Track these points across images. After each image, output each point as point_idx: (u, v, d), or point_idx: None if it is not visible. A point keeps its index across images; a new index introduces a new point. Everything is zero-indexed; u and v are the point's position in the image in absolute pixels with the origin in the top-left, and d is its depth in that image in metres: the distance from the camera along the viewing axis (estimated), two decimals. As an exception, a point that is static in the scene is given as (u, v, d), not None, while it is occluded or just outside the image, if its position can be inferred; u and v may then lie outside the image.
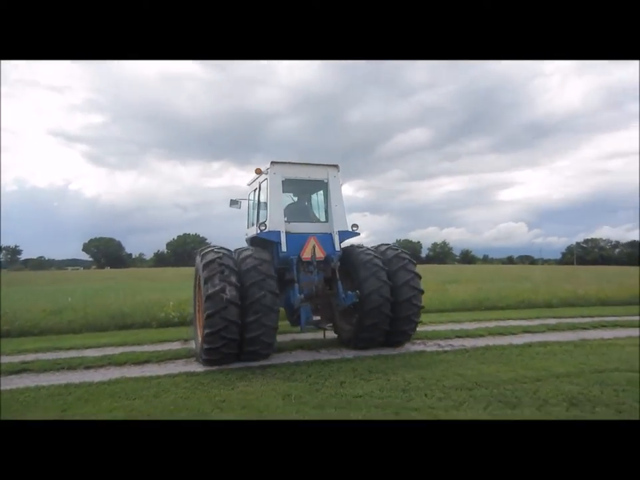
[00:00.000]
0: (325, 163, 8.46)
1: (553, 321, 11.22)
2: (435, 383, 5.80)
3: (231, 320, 6.47)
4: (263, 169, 8.18)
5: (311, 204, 9.09)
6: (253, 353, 6.89)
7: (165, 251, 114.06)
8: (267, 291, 6.75)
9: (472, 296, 14.98)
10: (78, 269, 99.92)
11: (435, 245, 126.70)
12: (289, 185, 8.34)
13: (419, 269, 8.37)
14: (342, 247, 8.28)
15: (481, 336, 9.31)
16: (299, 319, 7.64)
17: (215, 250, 7.10)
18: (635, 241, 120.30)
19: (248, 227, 9.38)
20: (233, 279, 6.66)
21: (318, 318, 7.91)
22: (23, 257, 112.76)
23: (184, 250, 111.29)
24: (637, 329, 10.40)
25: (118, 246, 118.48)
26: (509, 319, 11.69)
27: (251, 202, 9.24)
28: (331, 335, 8.71)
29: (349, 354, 7.66)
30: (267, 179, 8.09)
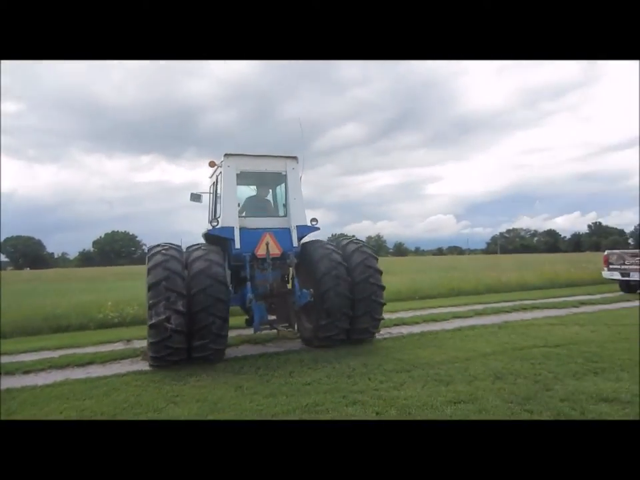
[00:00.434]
0: (284, 155, 8.07)
1: (479, 307, 12.15)
2: (377, 368, 6.22)
3: (176, 347, 6.33)
4: (217, 161, 7.87)
5: (270, 198, 8.77)
6: (202, 358, 6.66)
7: (91, 249, 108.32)
8: (214, 299, 6.44)
9: (406, 286, 15.77)
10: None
11: (369, 238, 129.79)
12: (244, 178, 8.03)
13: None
14: (303, 241, 8.02)
15: (416, 323, 9.93)
16: (253, 319, 7.36)
17: (163, 252, 6.69)
18: (551, 229, 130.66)
19: (208, 222, 8.73)
20: (180, 304, 6.28)
21: (273, 318, 7.67)
22: None
23: (112, 248, 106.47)
24: (553, 309, 11.62)
25: (38, 245, 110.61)
26: (440, 307, 12.52)
27: (212, 195, 8.75)
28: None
29: (296, 346, 7.93)
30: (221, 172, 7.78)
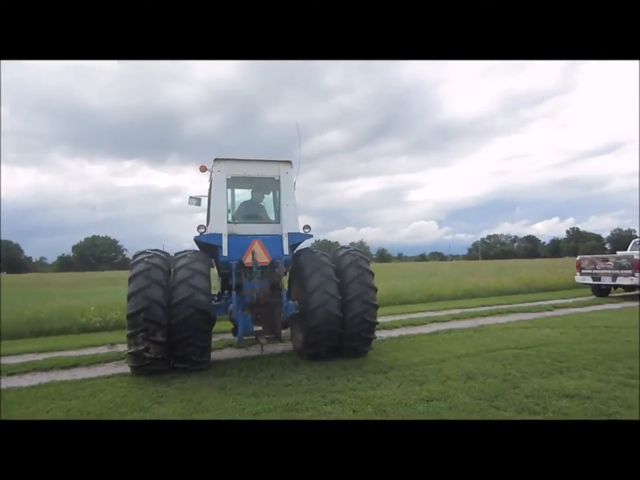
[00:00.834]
0: (277, 159, 7.76)
1: (457, 311, 12.54)
2: (356, 370, 6.47)
3: (156, 358, 6.25)
4: (208, 166, 7.59)
5: (264, 203, 8.43)
6: (183, 369, 6.55)
7: (71, 254, 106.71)
8: (195, 310, 6.30)
9: (387, 292, 16.00)
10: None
11: (352, 244, 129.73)
12: (236, 183, 7.86)
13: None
14: (297, 249, 7.77)
15: (395, 327, 10.22)
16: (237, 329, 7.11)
17: (146, 260, 6.53)
18: (531, 235, 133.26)
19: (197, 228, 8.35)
20: (159, 334, 6.15)
21: (259, 329, 7.30)
22: None
23: (92, 253, 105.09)
24: (527, 313, 12.06)
25: (16, 249, 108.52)
26: (419, 312, 12.84)
27: (208, 200, 8.42)
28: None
29: (277, 350, 8.13)
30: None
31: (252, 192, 8.34)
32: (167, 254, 7.11)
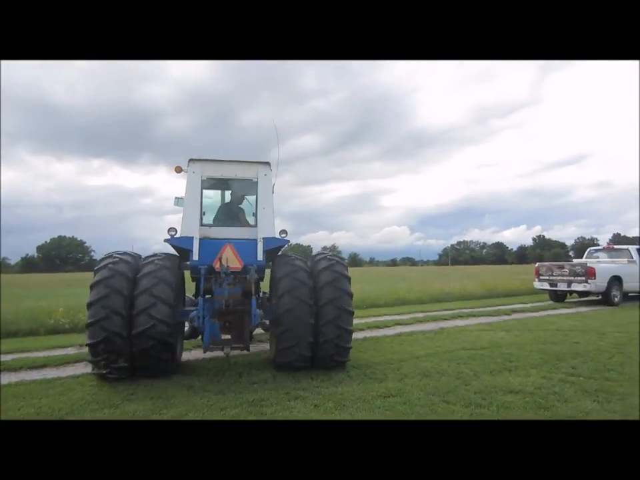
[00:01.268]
0: (255, 160, 7.46)
1: (421, 315, 13.05)
2: (320, 369, 6.77)
3: (118, 368, 6.18)
4: (184, 167, 7.25)
5: (243, 206, 8.14)
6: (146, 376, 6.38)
7: (36, 254, 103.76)
8: (156, 321, 6.09)
9: (355, 296, 16.34)
10: None
11: (324, 248, 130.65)
12: (212, 184, 7.65)
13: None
14: (275, 254, 7.47)
15: (361, 330, 10.56)
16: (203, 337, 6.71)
17: (110, 266, 6.31)
18: (499, 242, 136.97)
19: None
20: (119, 345, 6.02)
21: (227, 337, 7.02)
22: None
23: (58, 254, 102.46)
24: (487, 317, 12.66)
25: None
26: (385, 315, 13.33)
27: None
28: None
29: (245, 352, 8.33)
30: None
31: (229, 194, 8.12)
32: (139, 256, 7.01)
